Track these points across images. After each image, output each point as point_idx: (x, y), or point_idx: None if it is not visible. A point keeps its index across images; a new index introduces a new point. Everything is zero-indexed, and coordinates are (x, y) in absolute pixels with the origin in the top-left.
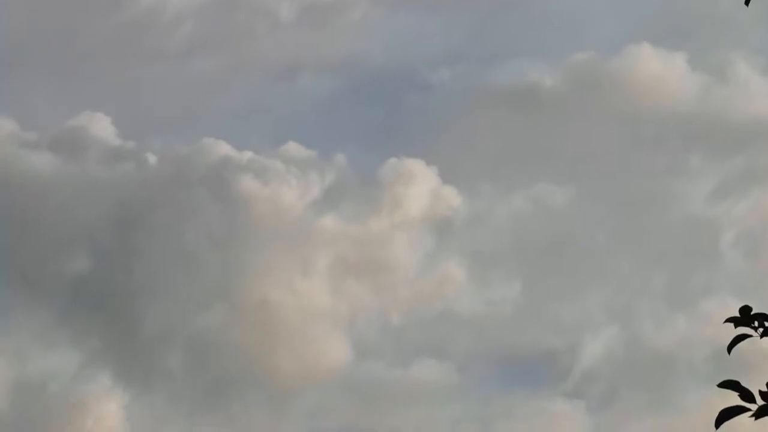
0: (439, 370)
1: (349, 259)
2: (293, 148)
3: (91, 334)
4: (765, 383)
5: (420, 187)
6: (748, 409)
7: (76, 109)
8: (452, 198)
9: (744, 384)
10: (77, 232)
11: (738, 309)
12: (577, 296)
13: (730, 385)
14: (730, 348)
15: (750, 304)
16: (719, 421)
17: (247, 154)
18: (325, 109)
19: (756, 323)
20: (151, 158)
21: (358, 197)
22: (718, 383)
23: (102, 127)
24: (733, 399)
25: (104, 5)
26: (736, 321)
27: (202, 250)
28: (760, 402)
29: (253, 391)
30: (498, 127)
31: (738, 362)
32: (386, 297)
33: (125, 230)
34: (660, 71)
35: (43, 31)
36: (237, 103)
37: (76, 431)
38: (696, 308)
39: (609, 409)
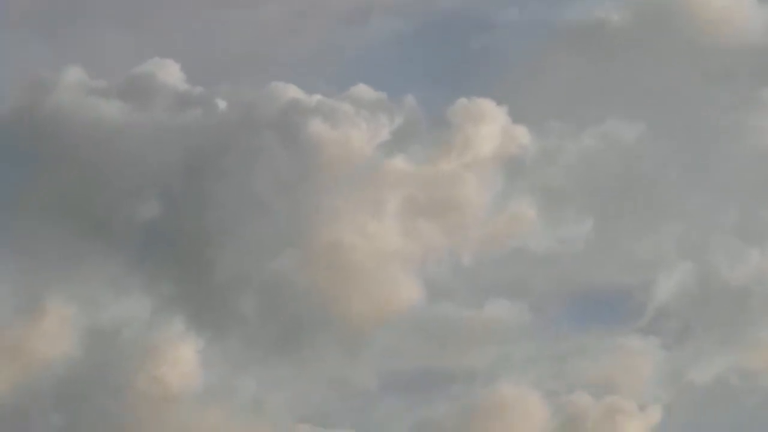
0: (511, 310)
1: (419, 201)
2: (362, 90)
3: (163, 280)
4: None
5: (490, 126)
6: None
7: (145, 56)
8: (522, 136)
9: None
10: (147, 179)
11: None
12: (650, 232)
13: None
14: None
15: None
16: None
17: (316, 98)
18: (394, 51)
19: None
20: (220, 103)
21: (427, 138)
22: None
23: (170, 73)
24: None
25: None
26: None
27: (272, 195)
28: None
29: (326, 334)
30: (567, 65)
31: None
32: (457, 237)
33: (195, 176)
34: (728, 4)
35: None
36: (306, 46)
37: (151, 377)
38: None
39: (683, 345)
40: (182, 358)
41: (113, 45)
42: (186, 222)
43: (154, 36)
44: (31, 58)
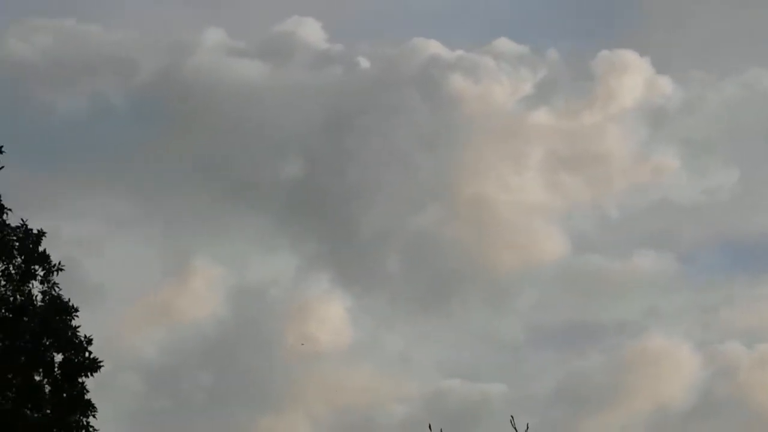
0: (658, 261)
1: (562, 154)
2: (504, 44)
3: (308, 239)
4: None
5: (633, 77)
6: None
7: (285, 15)
8: (665, 87)
9: None
10: (289, 138)
11: None
12: None
13: None
14: None
15: None
16: None
17: (458, 53)
18: (537, 3)
19: None
20: (361, 60)
21: (570, 91)
22: None
23: (311, 31)
24: None
25: None
26: None
27: (415, 151)
28: None
29: (472, 288)
30: (708, 14)
31: None
32: (601, 189)
33: (337, 134)
34: None
35: None
36: (447, 1)
37: (300, 334)
38: None
39: None
40: (329, 315)
41: (252, 4)
42: (329, 180)
43: None
44: (172, 20)
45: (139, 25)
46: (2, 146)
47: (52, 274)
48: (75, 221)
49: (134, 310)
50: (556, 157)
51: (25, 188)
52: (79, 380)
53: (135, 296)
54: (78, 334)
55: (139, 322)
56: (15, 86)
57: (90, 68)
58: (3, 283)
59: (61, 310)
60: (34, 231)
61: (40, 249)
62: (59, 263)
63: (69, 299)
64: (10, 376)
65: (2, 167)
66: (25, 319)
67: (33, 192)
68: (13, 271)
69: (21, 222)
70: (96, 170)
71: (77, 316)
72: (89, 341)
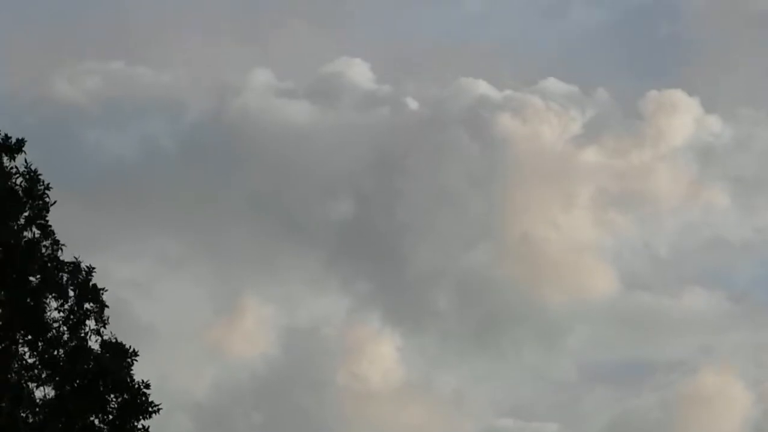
0: (710, 299)
1: (612, 192)
2: (553, 83)
3: (359, 278)
4: None
5: (682, 117)
6: None
7: (332, 56)
8: (714, 125)
9: None
10: (338, 178)
11: None
12: None
13: None
14: None
15: None
16: None
17: (506, 92)
18: (588, 43)
19: None
20: (408, 101)
21: (619, 130)
22: None
23: (359, 72)
24: None
25: None
26: None
27: (463, 190)
28: None
29: (522, 326)
30: (756, 51)
31: None
32: (651, 227)
33: (386, 173)
34: None
35: None
36: (499, 39)
37: (351, 374)
38: None
39: None
40: (381, 354)
41: (301, 44)
42: (379, 219)
43: (342, 35)
44: (220, 61)
45: (188, 66)
46: (24, 139)
47: (104, 313)
48: (125, 262)
49: (185, 350)
50: (606, 196)
51: (76, 228)
52: (136, 424)
53: (186, 336)
54: (132, 375)
55: (190, 362)
56: (66, 127)
57: (139, 110)
58: (58, 323)
59: (118, 353)
60: (84, 267)
61: (91, 285)
62: (104, 301)
63: (130, 346)
64: (66, 420)
65: (55, 202)
66: (85, 366)
67: (83, 232)
68: (67, 308)
69: (74, 258)
70: (146, 211)
71: (136, 360)
72: (147, 385)
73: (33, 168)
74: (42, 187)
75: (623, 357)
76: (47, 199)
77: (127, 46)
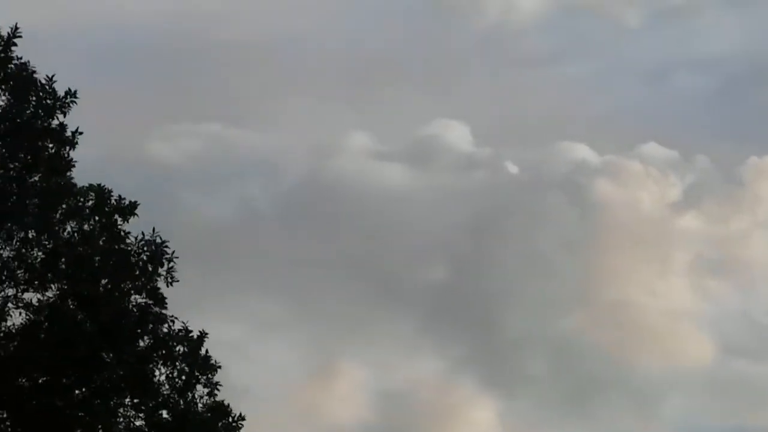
0: None
1: (710, 259)
2: (653, 148)
3: (453, 341)
4: None
5: None
6: None
7: (430, 118)
8: None
9: None
10: (434, 242)
11: None
12: None
13: None
14: None
15: None
16: None
17: (606, 157)
18: (690, 108)
19: None
20: (507, 164)
21: (719, 196)
22: None
23: (457, 134)
24: None
25: (455, 17)
26: None
27: (559, 255)
28: None
29: (618, 393)
30: None
31: None
32: (749, 294)
33: (482, 237)
34: None
35: (392, 46)
36: (601, 105)
37: None
38: None
39: None
40: (476, 418)
41: (398, 107)
42: (474, 283)
43: (440, 97)
44: (317, 124)
45: (284, 129)
46: (137, 202)
47: (214, 377)
48: (222, 324)
49: (280, 413)
50: (704, 262)
51: (173, 291)
52: None
53: (281, 399)
54: None
55: (285, 426)
56: (161, 189)
57: (236, 172)
58: (166, 387)
59: (224, 416)
60: (194, 334)
61: (202, 352)
62: (216, 362)
63: (240, 413)
64: None
65: (172, 266)
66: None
67: (180, 293)
68: (176, 374)
69: (183, 325)
70: (242, 273)
71: (242, 425)
72: None
73: (150, 234)
74: (156, 252)
75: (720, 426)
76: (162, 265)
77: (224, 108)
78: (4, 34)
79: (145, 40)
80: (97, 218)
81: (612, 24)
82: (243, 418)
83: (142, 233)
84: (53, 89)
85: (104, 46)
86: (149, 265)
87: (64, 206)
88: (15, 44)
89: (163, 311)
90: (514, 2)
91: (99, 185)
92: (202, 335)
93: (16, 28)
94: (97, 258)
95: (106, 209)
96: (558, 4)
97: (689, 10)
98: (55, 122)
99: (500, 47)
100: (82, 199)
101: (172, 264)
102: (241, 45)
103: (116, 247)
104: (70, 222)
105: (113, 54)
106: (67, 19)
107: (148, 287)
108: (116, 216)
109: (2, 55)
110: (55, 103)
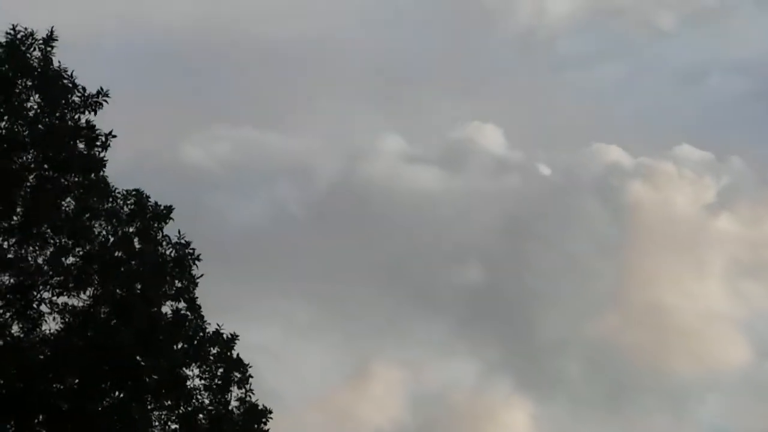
0: None
1: (745, 261)
2: (687, 150)
3: (488, 344)
4: None
5: None
6: None
7: (464, 121)
8: None
9: None
10: (468, 244)
11: None
12: None
13: None
14: None
15: None
16: None
17: (639, 159)
18: (726, 111)
19: None
20: (540, 167)
21: (754, 198)
22: None
23: (490, 137)
24: None
25: (487, 21)
26: None
27: (593, 257)
28: None
29: (652, 395)
30: None
31: None
32: None
33: (515, 240)
34: None
35: (425, 49)
36: (636, 106)
37: None
38: None
39: None
40: (511, 420)
41: (432, 110)
42: (508, 285)
43: (473, 100)
44: (350, 127)
45: (317, 132)
46: (172, 206)
47: (248, 380)
48: (254, 327)
49: (313, 416)
50: (739, 264)
51: (206, 294)
52: None
53: (314, 401)
54: None
55: (318, 428)
56: (194, 193)
57: (268, 176)
58: (202, 391)
59: (256, 415)
60: (226, 335)
61: (233, 354)
62: (248, 365)
63: (264, 406)
64: None
65: (202, 275)
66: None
67: (213, 296)
68: (209, 377)
69: (217, 326)
70: (275, 277)
71: (271, 418)
72: None
73: (184, 238)
74: (192, 258)
75: (757, 428)
76: (194, 272)
77: (256, 111)
78: (40, 38)
79: (178, 45)
80: (137, 223)
81: (645, 26)
82: (270, 412)
83: (168, 236)
84: (83, 87)
85: (138, 50)
86: (177, 269)
87: (101, 207)
88: (52, 47)
89: (198, 318)
90: (546, 6)
91: (138, 190)
92: (233, 337)
93: (53, 32)
94: (132, 262)
95: (147, 215)
96: (589, 7)
97: (722, 13)
98: (83, 120)
99: (533, 50)
100: (121, 203)
101: (195, 269)
102: (274, 49)
103: (153, 251)
104: (106, 225)
105: (147, 58)
106: (102, 24)
107: (185, 296)
108: (152, 221)
109: (41, 56)
110: (86, 101)
